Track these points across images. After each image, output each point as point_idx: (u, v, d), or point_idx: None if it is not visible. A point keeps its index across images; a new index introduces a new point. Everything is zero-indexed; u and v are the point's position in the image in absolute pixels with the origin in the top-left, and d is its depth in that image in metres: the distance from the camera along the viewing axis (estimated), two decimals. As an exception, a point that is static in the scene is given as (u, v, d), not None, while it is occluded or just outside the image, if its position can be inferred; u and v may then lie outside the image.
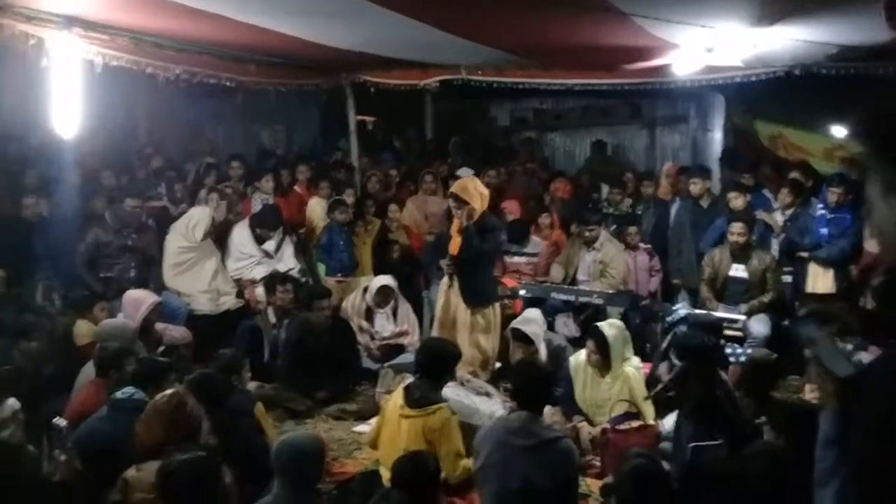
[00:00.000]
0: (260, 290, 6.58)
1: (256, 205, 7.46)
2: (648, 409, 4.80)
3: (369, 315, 6.52)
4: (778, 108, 8.71)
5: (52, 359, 5.28)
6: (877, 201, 2.16)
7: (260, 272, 6.88)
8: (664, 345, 5.56)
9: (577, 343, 5.99)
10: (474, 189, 5.77)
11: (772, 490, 2.70)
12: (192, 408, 3.45)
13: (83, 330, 5.42)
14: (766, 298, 6.15)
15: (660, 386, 4.57)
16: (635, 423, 4.63)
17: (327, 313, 5.95)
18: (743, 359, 5.81)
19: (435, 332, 5.96)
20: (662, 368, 4.85)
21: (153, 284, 6.33)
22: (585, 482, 4.29)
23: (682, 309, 6.07)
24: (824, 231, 6.38)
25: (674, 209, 7.50)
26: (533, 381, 3.78)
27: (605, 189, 8.46)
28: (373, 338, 6.47)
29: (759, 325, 6.02)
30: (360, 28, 5.52)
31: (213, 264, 6.71)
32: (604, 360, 4.87)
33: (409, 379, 4.84)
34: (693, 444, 3.75)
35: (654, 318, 6.39)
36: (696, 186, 7.11)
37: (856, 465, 2.42)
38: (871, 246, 5.91)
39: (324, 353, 5.83)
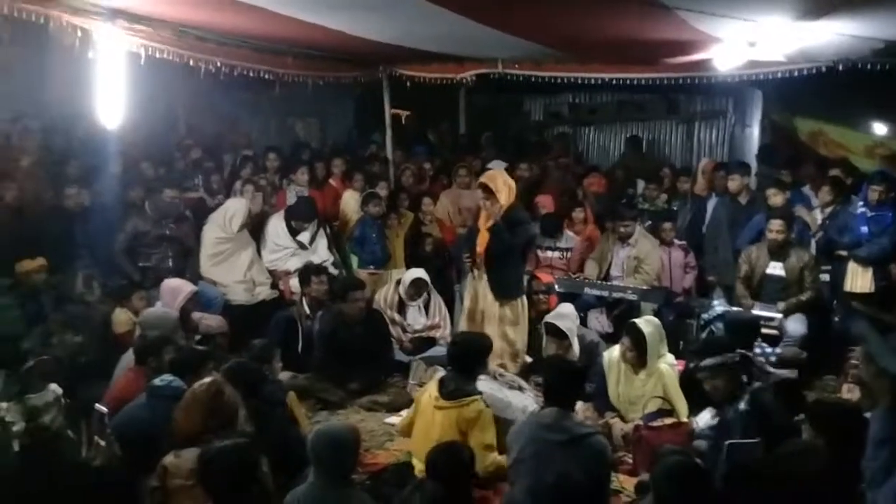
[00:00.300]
0: (294, 282, 6.64)
1: (291, 197, 7.52)
2: (682, 407, 4.76)
3: (401, 308, 6.54)
4: (818, 104, 8.59)
5: (90, 346, 5.39)
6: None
7: (294, 264, 6.93)
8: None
9: (609, 339, 5.97)
10: (503, 181, 5.76)
11: (808, 489, 2.67)
12: (229, 396, 3.50)
13: (121, 318, 5.52)
14: (803, 297, 6.06)
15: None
16: (668, 421, 4.60)
17: (361, 305, 5.97)
18: (773, 359, 5.73)
19: (463, 325, 5.97)
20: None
21: (190, 274, 6.40)
22: (618, 479, 4.26)
23: (718, 306, 6.01)
24: (864, 229, 6.26)
25: (710, 205, 7.41)
26: (563, 376, 3.76)
27: (640, 184, 8.39)
28: (405, 330, 6.49)
29: (796, 324, 5.94)
30: (398, 21, 5.54)
31: (248, 255, 6.79)
32: (640, 357, 4.84)
33: (441, 372, 4.87)
34: (729, 441, 3.71)
35: (689, 315, 6.33)
36: (734, 183, 7.01)
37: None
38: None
39: (357, 344, 5.86)
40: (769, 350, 5.63)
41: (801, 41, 5.23)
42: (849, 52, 5.76)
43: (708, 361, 3.98)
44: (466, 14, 5.12)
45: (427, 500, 3.01)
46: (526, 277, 6.65)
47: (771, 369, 5.58)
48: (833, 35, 5.13)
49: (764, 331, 5.83)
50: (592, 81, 7.34)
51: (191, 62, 5.78)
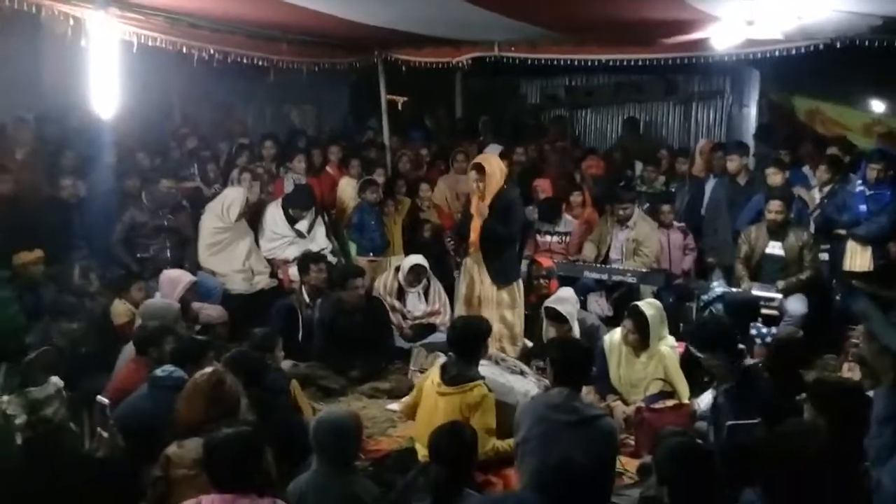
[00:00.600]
0: (293, 270, 6.62)
1: (288, 185, 7.49)
2: (684, 388, 4.77)
3: (401, 294, 6.54)
4: (815, 82, 8.56)
5: (90, 336, 5.38)
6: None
7: (293, 252, 6.92)
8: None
9: (609, 322, 5.98)
10: (497, 163, 5.83)
11: (809, 468, 2.67)
12: (230, 385, 3.49)
13: (120, 309, 5.50)
14: (802, 276, 6.05)
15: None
16: (670, 402, 4.61)
17: (361, 292, 5.97)
18: (769, 339, 5.74)
19: (460, 310, 5.97)
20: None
21: (188, 264, 6.40)
22: (620, 461, 4.25)
23: (718, 287, 6.01)
24: (863, 207, 6.27)
25: (709, 186, 7.40)
26: (573, 357, 3.75)
27: (638, 166, 8.37)
28: (405, 317, 6.49)
29: (796, 304, 5.94)
30: (393, 4, 5.50)
31: (246, 244, 6.78)
32: (642, 340, 4.84)
33: (442, 358, 4.86)
34: (729, 422, 3.72)
35: (689, 297, 6.33)
36: (732, 163, 7.00)
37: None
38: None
39: (357, 332, 5.86)
40: (765, 330, 5.63)
41: (800, 19, 5.21)
42: (847, 29, 5.74)
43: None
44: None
45: (431, 483, 3.01)
46: (526, 262, 6.68)
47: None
48: (831, 12, 5.10)
49: (764, 311, 5.84)
50: (589, 63, 7.27)
51: (184, 50, 5.76)
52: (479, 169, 5.71)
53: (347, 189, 7.58)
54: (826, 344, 5.80)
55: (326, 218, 7.40)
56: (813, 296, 6.07)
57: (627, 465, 4.20)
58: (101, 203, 6.45)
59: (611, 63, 7.22)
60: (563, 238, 7.27)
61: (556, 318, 5.38)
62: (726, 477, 3.14)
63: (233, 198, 6.71)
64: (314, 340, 5.97)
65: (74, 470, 3.31)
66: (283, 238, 7.03)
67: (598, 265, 6.78)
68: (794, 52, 6.20)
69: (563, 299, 5.47)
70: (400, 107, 10.77)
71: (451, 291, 6.77)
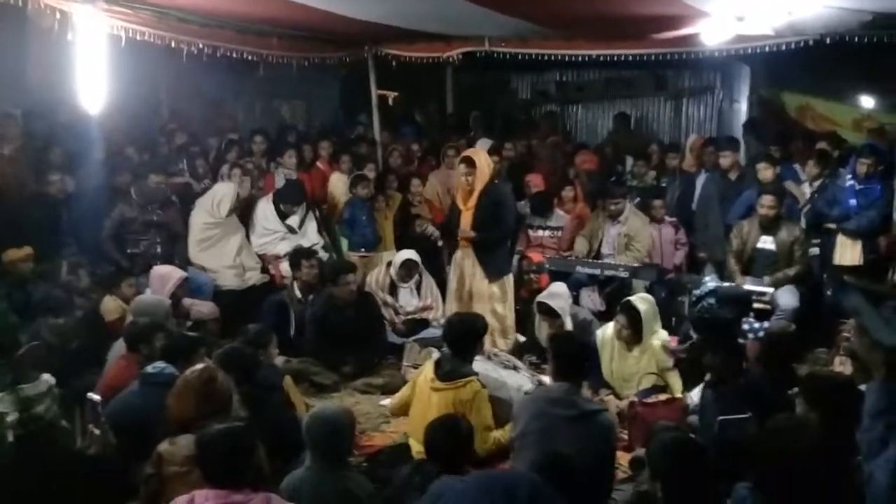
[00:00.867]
0: (285, 266, 6.60)
1: (279, 180, 7.45)
2: (676, 383, 4.80)
3: (393, 289, 6.53)
4: (805, 78, 8.59)
5: (80, 334, 5.35)
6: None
7: (284, 248, 6.89)
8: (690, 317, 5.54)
9: (602, 316, 5.99)
10: (485, 158, 5.89)
11: (801, 463, 2.68)
12: (222, 382, 3.47)
13: (111, 306, 5.47)
14: (791, 271, 6.08)
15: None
16: (663, 397, 4.64)
17: (353, 288, 5.96)
18: (761, 334, 5.75)
19: (452, 305, 5.98)
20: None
21: (179, 260, 6.36)
22: (613, 455, 4.29)
23: (710, 282, 6.03)
24: (853, 202, 6.29)
25: (700, 181, 7.42)
26: (573, 352, 3.76)
27: (629, 161, 8.38)
28: (397, 312, 6.48)
29: (788, 298, 5.95)
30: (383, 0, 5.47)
31: (237, 240, 6.74)
32: (635, 335, 4.86)
33: (435, 353, 4.86)
34: (721, 417, 3.73)
35: (681, 291, 6.35)
36: (726, 159, 7.02)
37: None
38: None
39: (349, 327, 5.85)
40: (756, 325, 5.65)
41: (790, 15, 5.21)
42: (837, 24, 5.74)
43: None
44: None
45: (427, 480, 3.00)
46: (516, 257, 6.68)
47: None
48: (821, 7, 5.10)
49: (756, 305, 5.85)
50: (580, 58, 7.30)
51: (173, 44, 5.72)
52: (469, 162, 5.73)
53: (338, 184, 7.56)
54: (817, 338, 5.81)
55: (318, 213, 7.37)
56: (804, 290, 6.10)
57: (621, 458, 4.21)
58: (90, 199, 6.41)
59: (601, 58, 7.24)
60: (555, 233, 7.27)
61: (549, 313, 5.39)
62: (718, 471, 3.15)
63: (223, 193, 6.67)
64: (306, 336, 5.95)
65: (66, 467, 3.29)
66: (274, 233, 7.00)
67: (591, 260, 6.80)
68: (784, 47, 6.20)
69: (556, 294, 5.47)
70: (391, 102, 10.74)
71: (442, 286, 6.78)
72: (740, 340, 5.07)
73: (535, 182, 7.67)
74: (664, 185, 7.82)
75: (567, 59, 7.35)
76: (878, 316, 2.86)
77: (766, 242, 6.17)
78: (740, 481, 2.85)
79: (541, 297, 5.50)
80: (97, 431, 3.50)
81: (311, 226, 7.16)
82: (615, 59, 7.10)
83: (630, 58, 7.00)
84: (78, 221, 6.33)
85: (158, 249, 6.35)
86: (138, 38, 5.37)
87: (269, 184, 7.49)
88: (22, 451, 3.22)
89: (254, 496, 2.69)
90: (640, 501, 3.31)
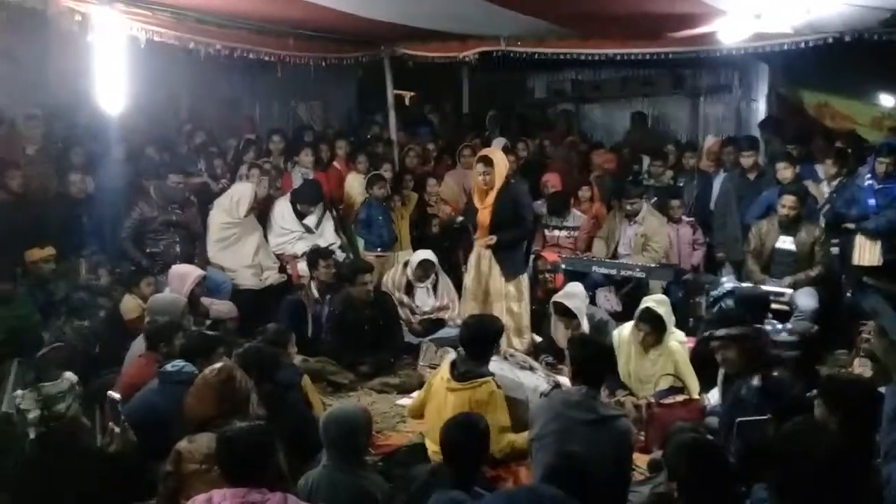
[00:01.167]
0: (302, 265, 6.63)
1: (297, 179, 7.49)
2: (693, 384, 4.77)
3: (409, 289, 6.54)
4: (824, 76, 8.48)
5: (101, 332, 5.41)
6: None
7: (301, 247, 6.93)
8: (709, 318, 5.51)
9: (618, 317, 5.97)
10: (501, 157, 5.90)
11: (820, 465, 2.66)
12: (241, 381, 3.49)
13: (130, 305, 5.51)
14: (813, 272, 6.03)
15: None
16: (680, 398, 4.61)
17: (370, 288, 5.98)
18: (783, 335, 5.71)
19: (468, 304, 5.98)
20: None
21: (198, 260, 6.40)
22: (630, 457, 4.27)
23: (727, 282, 5.99)
24: (872, 202, 6.21)
25: (717, 181, 7.38)
26: (595, 355, 3.75)
27: (645, 161, 8.34)
28: (413, 312, 6.49)
29: (807, 299, 5.91)
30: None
31: (255, 240, 6.78)
32: (658, 339, 4.84)
33: (451, 353, 4.87)
34: (739, 419, 3.71)
35: (698, 292, 6.31)
36: (747, 159, 6.98)
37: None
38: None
39: (366, 327, 5.88)
40: (779, 326, 5.61)
41: (808, 13, 5.17)
42: (856, 22, 5.69)
43: (723, 331, 3.96)
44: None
45: (445, 485, 2.99)
46: (532, 257, 6.68)
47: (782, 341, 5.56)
48: (840, 5, 5.06)
49: (774, 306, 5.81)
50: (596, 57, 7.26)
51: (191, 45, 5.76)
52: (487, 161, 5.74)
53: (355, 184, 7.58)
54: (837, 340, 5.77)
55: (335, 213, 7.40)
56: (823, 291, 6.05)
57: (638, 460, 4.20)
58: (110, 199, 6.48)
59: (618, 57, 7.20)
60: (572, 233, 7.26)
61: (565, 313, 5.39)
62: (737, 473, 3.14)
63: (241, 193, 6.71)
64: (323, 336, 5.98)
65: (87, 465, 3.33)
66: (291, 233, 7.03)
67: (607, 260, 6.78)
68: (802, 45, 6.17)
69: (572, 294, 5.46)
70: (407, 102, 10.75)
71: (458, 285, 6.79)
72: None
73: (553, 182, 7.66)
74: (681, 184, 7.78)
75: (583, 57, 7.31)
76: (898, 318, 2.85)
77: (786, 243, 6.12)
78: (759, 483, 2.83)
79: (557, 297, 5.49)
80: (117, 429, 3.52)
81: (329, 225, 7.19)
82: (632, 57, 7.07)
83: (647, 56, 6.98)
84: (98, 221, 6.40)
85: (178, 249, 6.39)
86: (157, 39, 5.42)
87: (286, 183, 7.52)
88: (43, 449, 3.26)
89: (271, 495, 2.70)
90: (657, 503, 3.30)
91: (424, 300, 6.52)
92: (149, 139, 7.51)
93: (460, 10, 5.92)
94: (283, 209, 7.04)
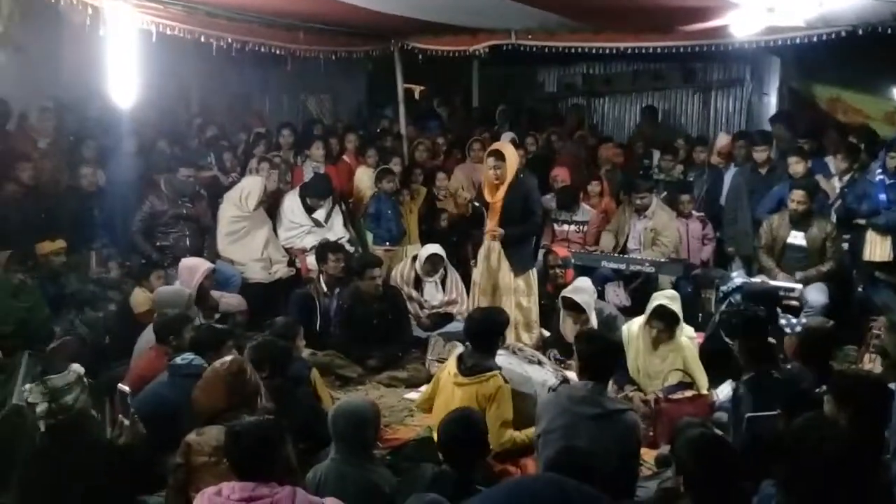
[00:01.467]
0: (312, 259, 6.64)
1: (307, 173, 7.50)
2: (702, 379, 4.75)
3: (418, 284, 6.54)
4: (836, 70, 8.43)
5: (113, 329, 5.44)
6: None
7: (310, 241, 6.94)
8: (718, 314, 5.49)
9: (627, 312, 5.96)
10: (512, 151, 5.88)
11: (829, 461, 2.65)
12: (250, 374, 3.51)
13: (140, 298, 5.54)
14: (824, 267, 6.01)
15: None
16: (689, 393, 4.60)
17: (378, 282, 5.98)
18: (798, 329, 5.68)
19: (477, 299, 5.98)
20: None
21: (208, 253, 6.42)
22: (638, 452, 4.26)
23: (737, 277, 5.97)
24: (883, 197, 6.16)
25: (728, 175, 7.34)
26: (602, 350, 3.74)
27: (656, 155, 8.31)
28: (422, 306, 6.50)
29: (817, 294, 5.88)
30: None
31: (265, 233, 6.80)
32: (671, 335, 4.83)
33: (459, 347, 4.87)
34: (749, 414, 3.70)
35: (708, 287, 6.29)
36: (760, 153, 6.95)
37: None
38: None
39: (375, 321, 5.88)
40: (794, 321, 5.58)
41: (821, 6, 5.12)
42: (869, 15, 5.64)
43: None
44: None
45: (449, 488, 2.98)
46: (542, 251, 6.66)
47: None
48: (855, -2, 5.02)
49: (784, 302, 5.79)
50: (607, 51, 7.21)
51: (202, 39, 5.77)
52: (498, 155, 5.71)
53: (364, 178, 7.58)
54: (847, 335, 5.73)
55: (344, 207, 7.41)
56: (833, 286, 6.02)
57: (646, 455, 4.19)
58: (121, 192, 6.51)
59: (629, 51, 7.14)
60: (581, 227, 7.24)
61: (574, 307, 5.37)
62: (745, 469, 3.13)
63: (251, 187, 6.72)
64: (332, 329, 5.99)
65: (96, 457, 3.34)
66: (300, 227, 7.04)
67: (616, 255, 6.76)
68: (815, 39, 6.11)
69: (581, 289, 5.45)
70: (417, 96, 10.74)
71: (467, 280, 6.79)
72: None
73: (562, 176, 7.63)
74: (691, 179, 7.75)
75: (594, 51, 7.28)
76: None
77: (797, 238, 6.10)
78: (767, 479, 2.82)
79: (566, 292, 5.48)
80: (126, 422, 3.54)
81: (338, 219, 7.19)
82: (643, 51, 7.03)
83: (658, 50, 6.94)
84: (109, 214, 6.42)
85: (187, 242, 6.41)
86: (168, 32, 5.43)
87: (297, 177, 7.53)
88: (52, 441, 3.28)
89: (280, 489, 2.71)
90: (664, 498, 3.29)
91: (433, 294, 6.52)
92: (160, 132, 7.54)
93: (471, 4, 5.91)
94: (292, 203, 7.05)
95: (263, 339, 4.30)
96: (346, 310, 5.92)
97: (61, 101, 7.21)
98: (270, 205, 7.02)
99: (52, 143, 6.66)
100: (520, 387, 4.39)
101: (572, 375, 4.55)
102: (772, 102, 9.70)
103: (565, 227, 7.25)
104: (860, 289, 6.21)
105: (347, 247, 6.85)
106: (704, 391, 4.66)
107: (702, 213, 7.18)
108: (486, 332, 4.31)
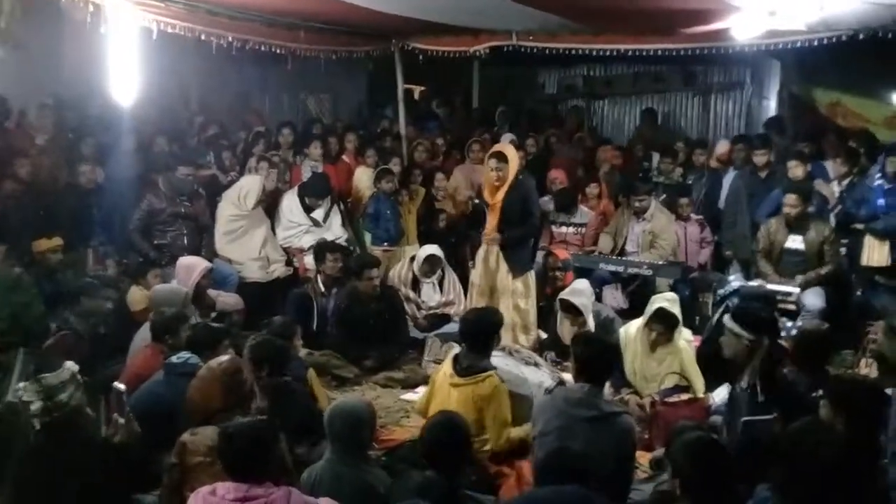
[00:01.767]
0: (309, 259, 6.64)
1: (306, 172, 7.49)
2: (699, 383, 4.75)
3: (415, 284, 6.54)
4: (837, 74, 8.44)
5: (107, 321, 5.43)
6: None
7: (308, 241, 6.93)
8: (716, 317, 5.48)
9: (624, 314, 5.95)
10: (514, 153, 5.88)
11: (825, 466, 2.65)
12: (246, 374, 3.50)
13: (137, 296, 5.55)
14: (822, 271, 6.00)
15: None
16: (685, 396, 4.59)
17: (376, 282, 5.98)
18: (794, 332, 5.68)
19: (475, 300, 5.98)
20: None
21: (206, 252, 6.41)
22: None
23: (735, 281, 5.97)
24: (881, 202, 6.17)
25: (727, 179, 7.34)
26: (598, 353, 3.73)
27: (655, 158, 8.31)
28: (419, 307, 6.49)
29: (814, 298, 5.88)
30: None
31: (263, 232, 6.80)
32: (669, 338, 4.82)
33: (456, 348, 4.86)
34: (745, 418, 3.69)
35: (705, 290, 6.29)
36: (760, 157, 6.95)
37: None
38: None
39: (372, 321, 5.88)
40: (790, 324, 5.58)
41: (822, 10, 5.12)
42: (871, 20, 5.64)
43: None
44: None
45: (436, 498, 2.97)
46: (542, 253, 6.67)
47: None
48: (855, 2, 5.02)
49: (781, 306, 5.78)
50: (608, 53, 7.21)
51: (202, 37, 5.77)
52: (501, 157, 5.72)
53: (363, 178, 7.58)
54: (843, 340, 5.73)
55: (342, 207, 7.40)
56: (830, 291, 6.01)
57: (641, 458, 4.18)
58: (120, 190, 6.50)
59: (630, 53, 7.15)
60: (579, 229, 7.24)
61: (571, 310, 5.37)
62: (740, 472, 3.13)
63: (250, 186, 6.72)
64: (329, 329, 5.98)
65: (91, 455, 3.33)
66: (298, 226, 7.04)
67: (614, 257, 6.76)
68: (815, 43, 6.11)
69: (578, 291, 5.45)
70: (416, 96, 10.73)
71: (465, 281, 6.78)
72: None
73: (560, 178, 7.63)
74: (690, 182, 7.75)
75: (595, 53, 7.28)
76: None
77: (795, 242, 6.09)
78: (763, 483, 2.82)
79: (563, 294, 5.47)
80: (122, 420, 3.53)
81: (336, 219, 7.19)
82: (643, 53, 7.04)
83: (659, 53, 6.95)
84: (107, 212, 6.42)
85: (185, 241, 6.40)
86: (169, 30, 5.43)
87: (296, 176, 7.53)
88: (46, 439, 3.27)
89: (275, 490, 2.70)
90: (660, 501, 3.29)
91: (430, 295, 6.52)
92: (159, 130, 7.54)
93: (472, 4, 5.90)
94: (290, 202, 7.05)
95: (262, 337, 4.29)
96: (343, 310, 5.92)
97: (62, 98, 7.21)
98: (269, 204, 7.02)
99: (51, 140, 6.65)
100: (516, 388, 4.39)
101: (569, 377, 4.55)
102: (772, 106, 9.70)
103: (563, 228, 7.25)
104: (859, 292, 6.20)
105: (346, 246, 6.85)
106: (701, 394, 4.66)
107: (700, 216, 7.18)
108: (480, 332, 4.30)
